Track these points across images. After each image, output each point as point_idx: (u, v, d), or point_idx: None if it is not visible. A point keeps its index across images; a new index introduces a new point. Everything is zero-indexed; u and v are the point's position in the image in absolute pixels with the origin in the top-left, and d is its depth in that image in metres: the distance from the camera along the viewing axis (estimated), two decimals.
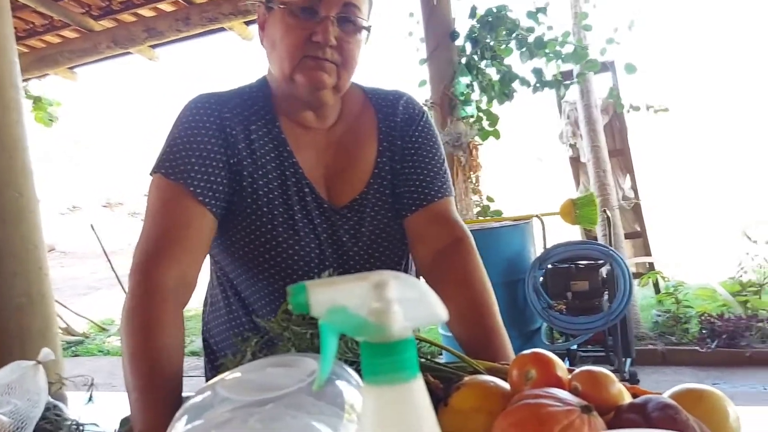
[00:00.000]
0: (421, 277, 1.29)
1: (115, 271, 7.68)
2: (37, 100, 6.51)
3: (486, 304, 1.09)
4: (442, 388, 0.77)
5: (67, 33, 5.54)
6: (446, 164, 1.25)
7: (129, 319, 0.97)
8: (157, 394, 0.89)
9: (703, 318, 4.60)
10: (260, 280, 1.13)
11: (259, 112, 1.16)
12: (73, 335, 7.15)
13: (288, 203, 1.11)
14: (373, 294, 0.42)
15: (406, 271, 1.24)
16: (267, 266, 1.12)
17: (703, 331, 4.50)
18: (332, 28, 1.05)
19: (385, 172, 1.18)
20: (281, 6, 1.08)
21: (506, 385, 0.74)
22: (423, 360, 0.86)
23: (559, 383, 0.69)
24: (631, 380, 3.90)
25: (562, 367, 0.72)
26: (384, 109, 1.22)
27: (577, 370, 0.71)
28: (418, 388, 0.42)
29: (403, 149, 1.20)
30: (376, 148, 1.19)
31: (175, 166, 1.06)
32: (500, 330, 1.07)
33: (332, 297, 0.42)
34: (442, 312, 0.43)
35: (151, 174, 1.09)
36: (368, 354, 0.42)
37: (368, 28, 1.12)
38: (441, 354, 2.72)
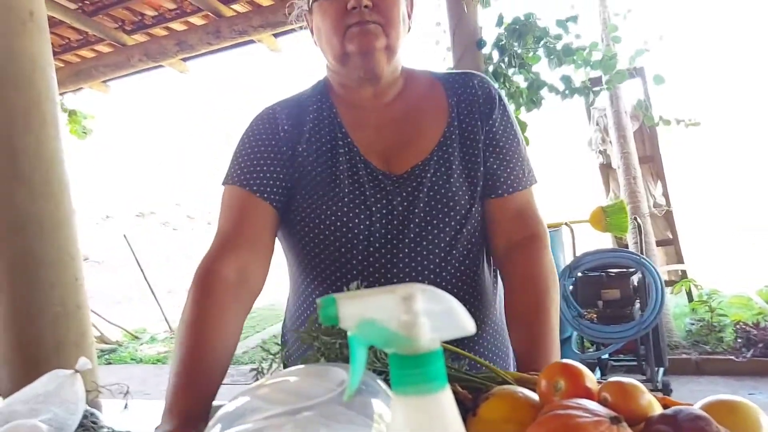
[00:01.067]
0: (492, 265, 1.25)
1: (147, 280, 7.81)
2: (71, 114, 6.66)
3: (543, 308, 1.08)
4: (471, 398, 0.77)
5: (101, 47, 5.67)
6: (527, 151, 1.23)
7: (185, 309, 1.02)
8: (192, 380, 0.93)
9: (738, 327, 4.50)
10: (312, 258, 1.15)
11: (317, 103, 1.20)
12: (107, 343, 7.27)
13: (335, 174, 1.13)
14: (401, 306, 0.43)
15: (467, 253, 1.15)
16: (318, 241, 1.13)
17: (738, 340, 4.41)
18: None
19: (452, 142, 1.16)
20: (313, 0, 1.12)
21: (535, 396, 0.74)
22: (451, 370, 0.86)
23: (588, 394, 0.69)
24: (664, 390, 3.84)
25: (591, 378, 0.72)
26: (455, 86, 1.21)
27: (607, 381, 0.71)
28: (446, 399, 0.43)
29: (487, 131, 1.18)
30: (445, 120, 1.18)
31: (234, 173, 1.14)
32: (549, 337, 1.05)
33: (361, 309, 0.43)
34: (469, 324, 0.43)
35: (221, 185, 1.17)
36: (397, 365, 0.43)
37: None
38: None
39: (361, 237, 1.11)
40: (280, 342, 1.31)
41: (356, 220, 1.11)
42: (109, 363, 6.69)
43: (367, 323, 0.43)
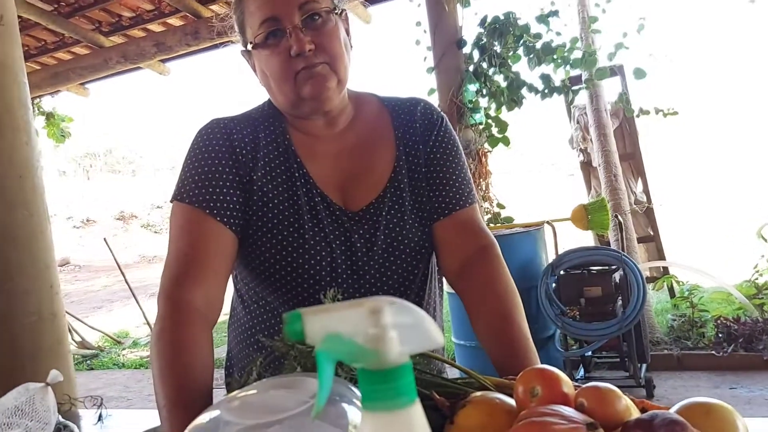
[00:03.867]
0: (445, 285, 1.30)
1: (128, 284, 7.73)
2: (49, 117, 6.59)
3: (511, 315, 1.08)
4: (449, 405, 0.76)
5: (78, 49, 5.62)
6: (469, 171, 1.25)
7: (158, 341, 0.98)
8: (185, 412, 0.90)
9: (719, 322, 4.55)
10: (273, 291, 1.14)
11: (269, 128, 1.17)
12: (88, 349, 7.20)
13: (298, 213, 1.12)
14: (368, 320, 0.42)
15: (424, 278, 1.21)
16: (278, 277, 1.12)
17: (719, 335, 4.45)
18: (302, 36, 1.05)
19: (402, 176, 1.17)
20: (252, 46, 1.11)
21: (512, 402, 0.73)
22: (429, 376, 0.86)
23: (564, 400, 0.69)
24: (647, 386, 3.87)
25: (567, 383, 0.72)
26: (401, 115, 1.22)
27: (583, 387, 0.70)
28: (416, 414, 0.42)
29: (427, 155, 1.20)
30: (393, 154, 1.18)
31: (191, 191, 1.09)
32: (524, 341, 1.05)
33: (327, 324, 0.42)
34: (438, 337, 0.42)
35: (170, 202, 1.12)
36: (365, 381, 0.42)
37: (335, 9, 1.11)
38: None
39: (323, 273, 1.11)
40: (224, 367, 1.29)
41: (318, 257, 1.11)
42: (91, 369, 6.62)
43: (333, 338, 0.42)
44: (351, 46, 1.16)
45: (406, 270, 1.16)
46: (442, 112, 1.27)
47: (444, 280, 1.29)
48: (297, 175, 1.14)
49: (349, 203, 1.15)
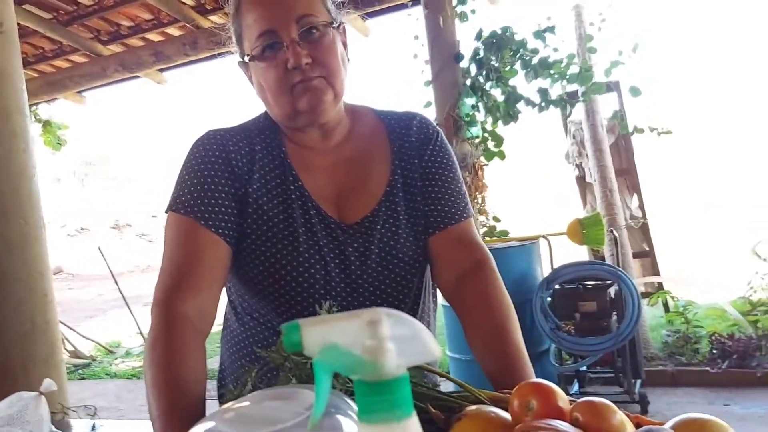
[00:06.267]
0: (440, 299, 1.30)
1: (122, 293, 7.69)
2: (46, 124, 6.58)
3: (506, 329, 1.08)
4: (444, 418, 0.76)
5: (76, 57, 5.62)
6: (464, 185, 1.25)
7: (151, 351, 0.98)
8: (179, 423, 0.89)
9: (713, 338, 4.54)
10: (266, 303, 1.14)
11: (265, 140, 1.18)
12: (81, 358, 7.15)
13: (293, 225, 1.12)
14: (366, 331, 0.42)
15: (419, 292, 1.21)
16: (272, 289, 1.12)
17: (714, 351, 4.45)
18: (299, 49, 1.06)
19: (397, 189, 1.18)
20: (249, 58, 1.11)
21: (508, 416, 0.73)
22: (425, 389, 0.85)
23: (560, 414, 0.69)
24: (641, 402, 3.86)
25: (563, 397, 0.72)
26: (397, 130, 1.22)
27: (578, 401, 0.70)
28: (412, 427, 0.42)
29: (422, 169, 1.20)
30: (389, 167, 1.19)
31: (186, 201, 1.09)
32: (519, 355, 1.05)
33: (325, 335, 0.42)
34: (435, 349, 0.43)
35: (165, 212, 1.12)
36: (362, 392, 0.42)
37: (332, 22, 1.11)
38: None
39: (317, 286, 1.11)
40: (217, 379, 1.28)
41: (312, 270, 1.11)
42: (83, 378, 6.57)
43: (331, 348, 0.42)
44: (348, 60, 1.16)
45: (400, 284, 1.16)
46: (437, 127, 1.28)
47: (438, 293, 1.29)
48: (292, 187, 1.14)
49: (344, 216, 1.15)
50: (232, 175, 1.13)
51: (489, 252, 1.18)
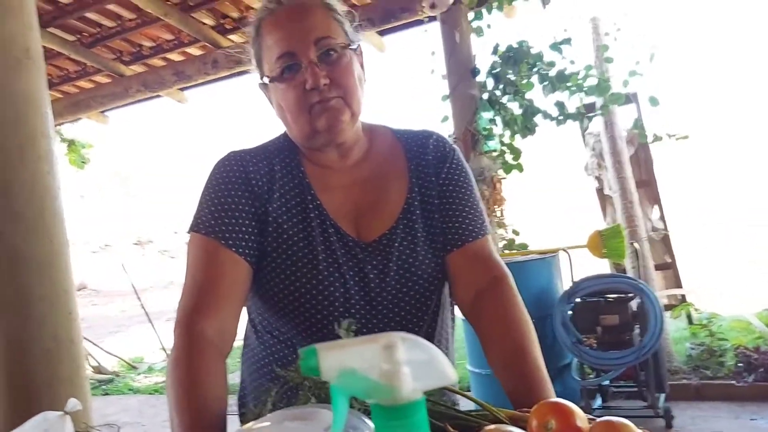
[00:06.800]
0: (458, 316, 1.30)
1: (145, 309, 7.77)
2: (71, 144, 6.70)
3: (524, 347, 1.08)
4: None
5: (100, 78, 5.72)
6: (481, 202, 1.26)
7: (173, 371, 1.00)
8: None
9: (738, 351, 4.47)
10: (286, 322, 1.15)
11: (284, 160, 1.20)
12: (104, 374, 7.21)
13: (312, 244, 1.13)
14: (382, 356, 0.42)
15: (437, 309, 1.22)
16: (292, 308, 1.13)
17: (739, 365, 4.37)
18: (317, 70, 1.08)
19: (414, 207, 1.19)
20: (269, 79, 1.13)
21: None
22: (443, 408, 0.86)
23: None
24: (666, 416, 3.80)
25: (582, 417, 0.72)
26: (414, 148, 1.24)
27: (597, 421, 0.70)
28: None
29: (439, 187, 1.21)
30: (406, 185, 1.20)
31: (207, 222, 1.11)
32: (538, 373, 1.05)
33: (341, 360, 0.42)
34: (451, 373, 0.43)
35: (188, 233, 1.14)
36: (379, 416, 0.42)
37: (350, 44, 1.14)
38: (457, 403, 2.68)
39: (336, 304, 1.12)
40: (237, 396, 1.29)
41: (331, 288, 1.12)
42: (106, 394, 6.62)
43: (348, 373, 0.43)
44: (365, 80, 1.18)
45: (419, 301, 1.17)
46: (453, 144, 1.29)
47: (457, 310, 1.29)
48: (311, 206, 1.16)
49: (362, 234, 1.16)
50: (252, 195, 1.15)
51: (507, 269, 1.19)
